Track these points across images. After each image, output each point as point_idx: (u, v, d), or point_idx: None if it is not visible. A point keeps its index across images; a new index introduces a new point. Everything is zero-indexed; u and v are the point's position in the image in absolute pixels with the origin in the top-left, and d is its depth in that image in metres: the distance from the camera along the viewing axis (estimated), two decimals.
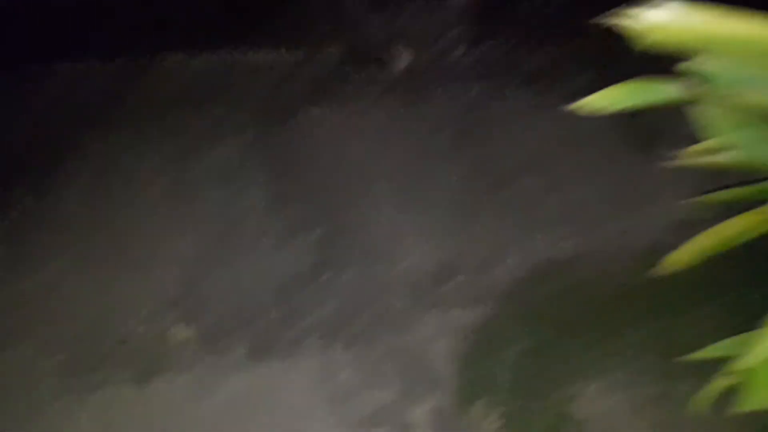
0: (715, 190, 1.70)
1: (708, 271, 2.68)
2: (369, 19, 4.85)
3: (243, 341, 2.31)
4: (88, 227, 2.78)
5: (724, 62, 1.01)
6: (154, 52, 4.19)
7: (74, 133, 3.43)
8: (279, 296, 2.52)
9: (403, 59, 4.52)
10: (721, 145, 1.20)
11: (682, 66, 1.09)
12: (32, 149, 3.30)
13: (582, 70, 4.66)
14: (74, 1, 4.15)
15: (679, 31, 0.98)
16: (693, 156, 1.40)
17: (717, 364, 1.71)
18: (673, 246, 2.92)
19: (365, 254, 2.75)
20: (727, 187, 1.61)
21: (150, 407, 2.06)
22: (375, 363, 2.27)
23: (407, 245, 2.83)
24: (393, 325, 2.43)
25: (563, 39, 4.97)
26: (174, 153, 3.35)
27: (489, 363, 2.31)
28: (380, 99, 4.09)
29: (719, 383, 1.38)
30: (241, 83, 4.13)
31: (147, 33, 4.43)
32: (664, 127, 3.95)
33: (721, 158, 1.28)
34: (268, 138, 3.52)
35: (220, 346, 2.29)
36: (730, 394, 1.59)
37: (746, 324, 1.71)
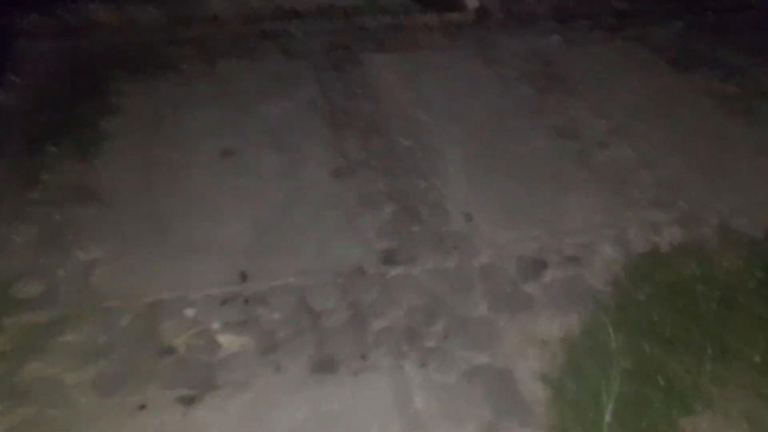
0: None
1: None
2: None
3: (305, 352, 2.00)
4: (129, 202, 2.43)
5: None
6: None
7: (116, 87, 3.03)
8: (345, 293, 2.18)
9: (473, 1, 4.03)
10: None
11: None
12: (72, 104, 2.89)
13: (671, 17, 4.12)
14: None
15: None
16: None
17: None
18: None
19: (439, 243, 2.38)
20: None
21: None
22: (454, 386, 1.95)
23: (485, 232, 2.45)
24: (472, 336, 2.08)
25: None
26: (225, 110, 2.95)
27: (588, 388, 1.98)
28: (450, 47, 3.56)
29: None
30: (297, 28, 3.68)
31: None
32: None
33: None
34: (330, 92, 3.09)
35: (278, 359, 1.97)
36: None
37: None
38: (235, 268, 2.22)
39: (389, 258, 2.33)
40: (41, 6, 3.45)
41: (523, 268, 2.36)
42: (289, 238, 2.35)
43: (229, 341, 1.99)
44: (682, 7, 4.08)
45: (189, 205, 2.45)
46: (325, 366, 1.97)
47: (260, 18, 3.48)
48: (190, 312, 2.05)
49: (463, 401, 1.91)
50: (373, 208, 2.52)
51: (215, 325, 2.03)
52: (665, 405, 1.96)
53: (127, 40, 3.40)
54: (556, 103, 3.18)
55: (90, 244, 2.25)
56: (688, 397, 1.99)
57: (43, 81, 3.08)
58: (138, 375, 1.88)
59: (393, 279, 2.26)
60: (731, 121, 3.19)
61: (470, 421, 1.86)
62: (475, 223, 2.51)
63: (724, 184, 2.84)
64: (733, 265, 2.47)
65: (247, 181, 2.58)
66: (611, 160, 2.88)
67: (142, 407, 1.81)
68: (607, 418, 1.91)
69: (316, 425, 1.81)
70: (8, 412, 1.77)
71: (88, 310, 2.02)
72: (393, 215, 2.50)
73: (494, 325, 2.14)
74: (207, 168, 2.63)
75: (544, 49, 3.57)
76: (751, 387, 2.05)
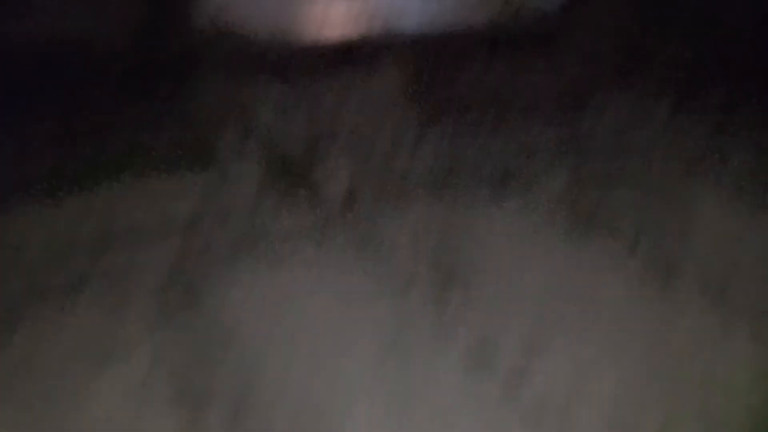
0: None
1: None
2: (286, 121, 3.74)
3: None
4: None
5: None
6: None
7: None
8: None
9: (339, 176, 3.26)
10: None
11: None
12: None
13: (557, 165, 3.51)
14: None
15: None
16: None
17: None
18: None
19: None
20: None
21: None
22: None
23: None
24: None
25: (539, 118, 4.02)
26: (33, 406, 2.18)
27: None
28: (319, 254, 2.83)
29: None
30: (123, 259, 2.94)
31: None
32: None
33: None
34: (173, 358, 2.38)
35: None
36: None
37: None
38: None
39: None
40: None
41: None
42: None
43: None
44: (568, 149, 3.65)
45: None
46: None
47: (73, 250, 2.71)
48: None
49: None
50: None
51: None
52: None
53: None
54: (458, 315, 2.65)
55: None
56: None
57: None
58: None
59: None
60: (650, 311, 2.77)
61: None
62: None
63: (666, 410, 2.37)
64: None
65: None
66: (539, 396, 2.36)
67: None
68: None
69: None
70: None
71: None
72: None
73: None
74: None
75: (427, 234, 3.03)
76: None
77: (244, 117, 3.52)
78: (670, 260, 2.95)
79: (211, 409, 2.22)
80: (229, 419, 2.20)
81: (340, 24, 4.45)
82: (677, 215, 3.21)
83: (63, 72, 3.62)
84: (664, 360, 2.53)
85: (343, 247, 2.90)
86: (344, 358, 2.44)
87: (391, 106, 3.73)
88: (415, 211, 3.10)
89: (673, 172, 3.57)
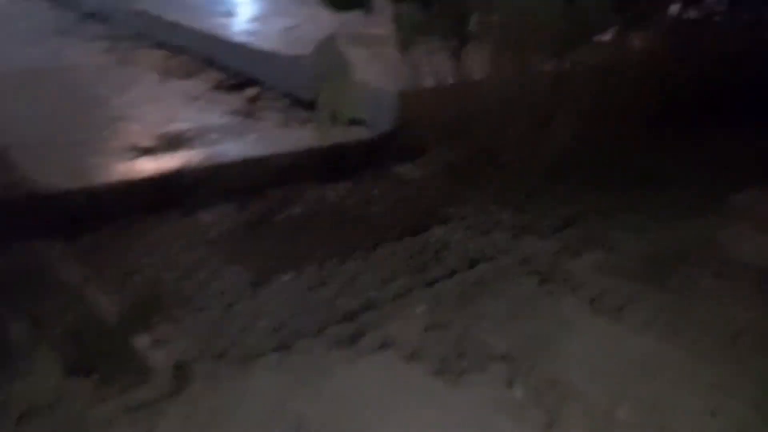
0: None
1: None
2: (96, 282, 3.20)
3: None
4: None
5: None
6: None
7: None
8: None
9: (166, 344, 2.67)
10: None
11: None
12: None
13: (410, 302, 3.13)
14: None
15: None
16: None
17: None
18: None
19: None
20: None
21: None
22: None
23: None
24: None
25: (385, 249, 3.49)
26: None
27: None
28: None
29: None
30: None
31: None
32: None
33: None
34: None
35: None
36: None
37: None
38: None
39: None
40: None
41: None
42: None
43: None
44: (422, 276, 3.37)
45: None
46: None
47: None
48: None
49: None
50: None
51: None
52: None
53: None
54: None
55: None
56: None
57: None
58: None
59: None
60: None
61: None
62: None
63: None
64: None
65: None
66: None
67: None
68: None
69: None
70: None
71: None
72: None
73: None
74: None
75: (276, 403, 2.53)
76: None
77: (45, 282, 2.99)
78: (550, 386, 2.67)
79: None
80: None
81: (155, 168, 4.06)
82: (545, 332, 2.99)
83: None
84: None
85: (180, 430, 2.39)
86: None
87: (221, 256, 3.32)
88: (260, 377, 2.65)
89: (528, 282, 3.39)
